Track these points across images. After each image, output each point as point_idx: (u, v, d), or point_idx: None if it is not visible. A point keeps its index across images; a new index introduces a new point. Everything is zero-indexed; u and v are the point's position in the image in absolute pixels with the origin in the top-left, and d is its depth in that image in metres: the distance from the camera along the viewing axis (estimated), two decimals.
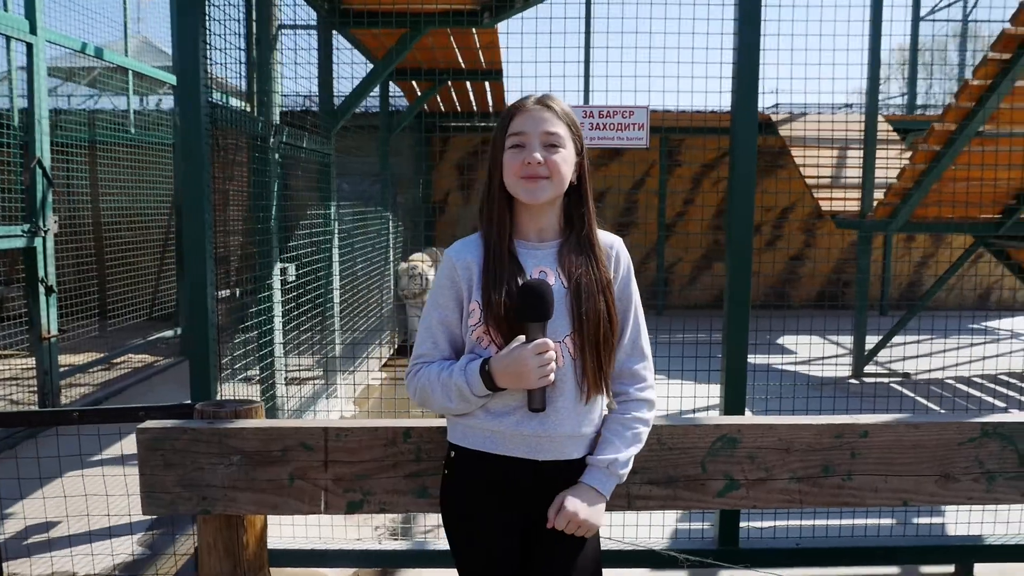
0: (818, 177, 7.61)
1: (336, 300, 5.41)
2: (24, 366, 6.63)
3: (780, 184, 9.47)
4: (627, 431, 1.76)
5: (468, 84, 7.52)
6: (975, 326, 9.47)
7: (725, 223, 3.09)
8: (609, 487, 1.74)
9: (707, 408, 5.37)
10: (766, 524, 3.53)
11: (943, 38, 12.47)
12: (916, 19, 9.50)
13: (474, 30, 5.56)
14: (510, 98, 8.33)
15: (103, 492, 3.55)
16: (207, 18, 3.15)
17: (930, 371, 7.06)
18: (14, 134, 5.26)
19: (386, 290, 7.46)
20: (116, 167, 7.04)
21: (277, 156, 4.27)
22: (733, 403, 3.10)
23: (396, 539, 3.65)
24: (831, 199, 7.32)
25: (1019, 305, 10.71)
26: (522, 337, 1.64)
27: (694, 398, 4.15)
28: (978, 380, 6.78)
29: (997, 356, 7.68)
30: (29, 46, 5.03)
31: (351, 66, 5.57)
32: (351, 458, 1.97)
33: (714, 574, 3.37)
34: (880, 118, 7.23)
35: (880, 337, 6.94)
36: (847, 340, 8.21)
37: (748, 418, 2.05)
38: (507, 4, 4.85)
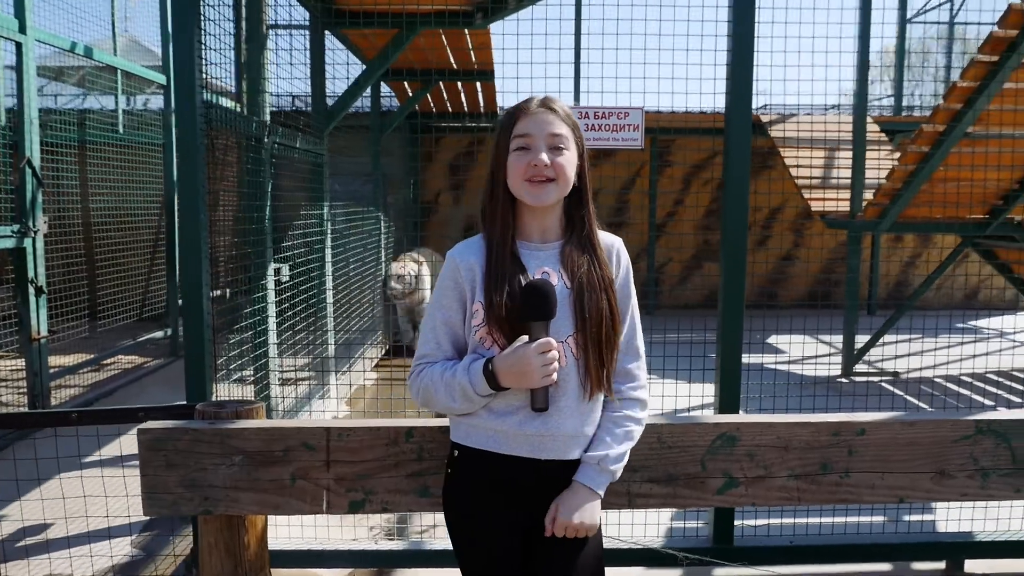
0: (808, 178, 7.66)
1: (329, 300, 5.40)
2: (13, 367, 6.59)
3: (770, 185, 9.53)
4: (618, 428, 1.78)
5: (460, 84, 7.52)
6: (962, 325, 9.57)
7: (720, 225, 3.11)
8: (602, 484, 1.75)
9: (701, 407, 5.41)
10: (760, 522, 3.55)
11: (928, 40, 12.60)
12: (903, 21, 9.58)
13: (466, 31, 5.57)
14: (501, 99, 8.35)
15: (97, 494, 3.54)
16: (203, 18, 3.15)
17: (919, 370, 7.13)
18: (3, 134, 5.23)
19: (378, 290, 7.45)
20: (106, 167, 7.01)
21: (272, 157, 4.27)
22: (728, 403, 3.13)
23: (392, 539, 3.66)
24: (821, 199, 7.38)
25: (1005, 304, 10.82)
26: (525, 337, 1.65)
27: (688, 397, 4.18)
28: (966, 379, 6.86)
29: (987, 355, 7.77)
30: (18, 45, 5.00)
31: (347, 67, 5.57)
32: (353, 458, 1.98)
33: (709, 572, 3.39)
34: (868, 119, 7.28)
35: (869, 336, 7.00)
36: (836, 339, 8.27)
37: (747, 417, 2.07)
38: (501, 5, 4.85)
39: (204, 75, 3.12)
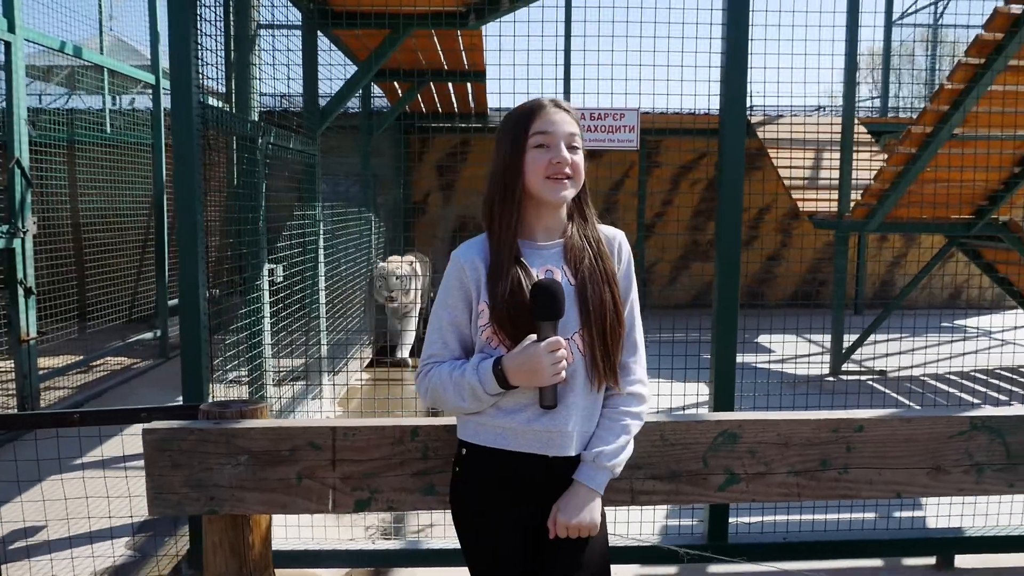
0: (798, 179, 7.73)
1: (322, 300, 5.40)
2: (2, 369, 6.52)
3: (756, 185, 9.59)
4: (614, 424, 1.79)
5: (450, 85, 7.53)
6: (946, 324, 9.68)
7: (715, 227, 3.15)
8: (601, 481, 1.76)
9: (696, 405, 5.45)
10: (754, 519, 3.59)
11: (911, 43, 12.72)
12: (889, 24, 9.69)
13: (458, 32, 5.58)
14: (491, 99, 8.36)
15: (89, 495, 3.52)
16: (199, 18, 3.15)
17: (906, 368, 7.21)
18: None
19: (371, 290, 7.44)
20: (94, 167, 6.96)
21: (266, 157, 4.26)
22: (723, 403, 3.16)
23: (389, 539, 3.67)
24: (811, 200, 7.44)
25: (988, 304, 10.96)
26: (533, 336, 1.67)
27: (684, 396, 4.21)
28: (952, 377, 6.94)
29: (975, 353, 7.88)
30: (7, 44, 4.96)
31: (343, 68, 5.57)
32: (359, 457, 1.99)
33: (704, 569, 3.42)
34: (854, 120, 7.35)
35: (856, 335, 7.07)
36: (823, 338, 8.35)
37: (748, 414, 2.10)
38: (494, 6, 4.87)
39: (200, 75, 3.12)
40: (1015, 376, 7.02)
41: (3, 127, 5.08)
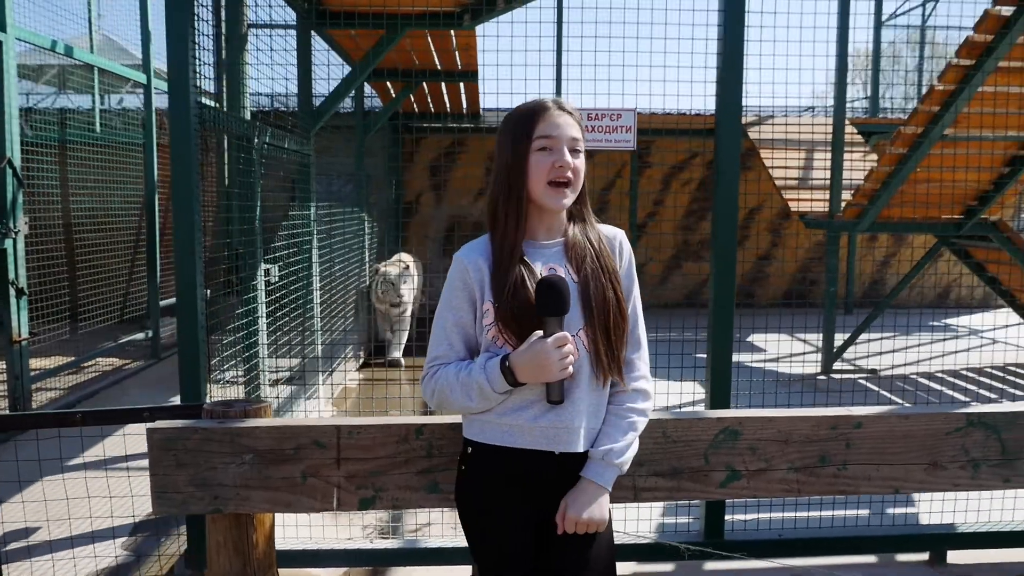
0: (789, 179, 7.78)
1: (316, 300, 5.39)
2: None
3: (748, 186, 9.65)
4: (622, 421, 1.81)
5: (443, 85, 7.53)
6: (935, 323, 9.76)
7: (711, 228, 3.17)
8: (609, 478, 1.78)
9: (692, 403, 5.48)
10: (749, 517, 3.62)
11: (899, 44, 12.83)
12: (878, 25, 9.76)
13: (452, 32, 5.59)
14: (484, 100, 8.37)
15: (83, 495, 3.51)
16: (196, 18, 3.15)
17: (896, 367, 7.28)
18: None
19: (364, 290, 7.44)
20: (86, 167, 6.92)
21: (261, 157, 4.26)
22: (719, 401, 3.19)
23: (386, 538, 3.67)
24: (802, 200, 7.49)
25: (976, 303, 11.06)
26: (540, 332, 1.69)
27: (680, 394, 4.24)
28: (942, 375, 7.01)
29: (968, 351, 7.96)
30: None
31: (337, 68, 5.56)
32: (364, 455, 2.00)
33: (700, 566, 3.45)
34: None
35: (846, 334, 7.13)
36: (813, 337, 8.41)
37: (749, 411, 2.12)
38: (488, 6, 4.88)
39: (198, 75, 3.12)
40: (1004, 374, 7.09)
41: None
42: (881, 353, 7.40)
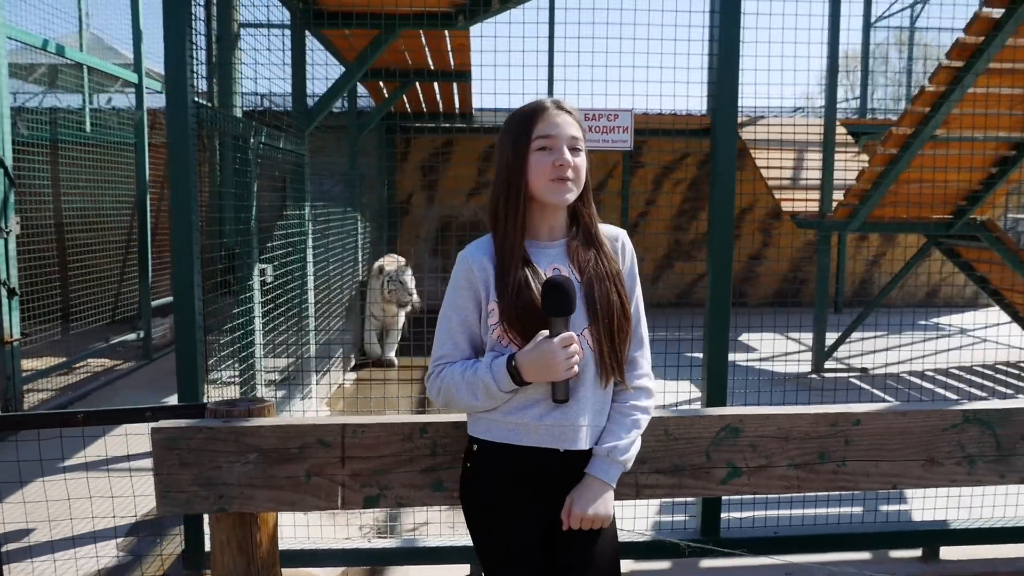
0: (780, 179, 7.83)
1: (311, 300, 5.39)
2: None
3: (740, 186, 9.71)
4: (625, 419, 1.83)
5: (436, 85, 7.53)
6: (924, 322, 9.85)
7: (707, 229, 3.20)
8: (613, 475, 1.80)
9: (688, 401, 5.51)
10: (745, 514, 3.65)
11: (888, 46, 12.92)
12: (867, 26, 9.84)
13: (446, 32, 5.60)
14: (477, 100, 8.38)
15: (82, 495, 3.50)
16: (193, 18, 3.15)
17: (886, 365, 7.34)
18: None
19: (357, 291, 7.42)
20: (77, 166, 6.88)
21: (257, 157, 4.26)
22: (716, 400, 3.21)
23: (384, 537, 3.67)
24: (800, 200, 7.54)
25: (963, 302, 11.17)
26: (546, 332, 1.70)
27: (676, 393, 4.26)
28: (931, 374, 7.07)
29: (960, 349, 8.04)
30: None
31: (330, 68, 5.56)
32: (368, 454, 2.01)
33: (696, 563, 3.47)
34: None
35: (836, 333, 7.18)
36: (803, 336, 8.47)
37: (750, 409, 2.15)
38: (483, 7, 4.89)
39: (195, 74, 3.11)
40: (992, 373, 7.16)
41: None
42: (871, 352, 7.46)
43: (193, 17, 3.18)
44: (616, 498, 2.02)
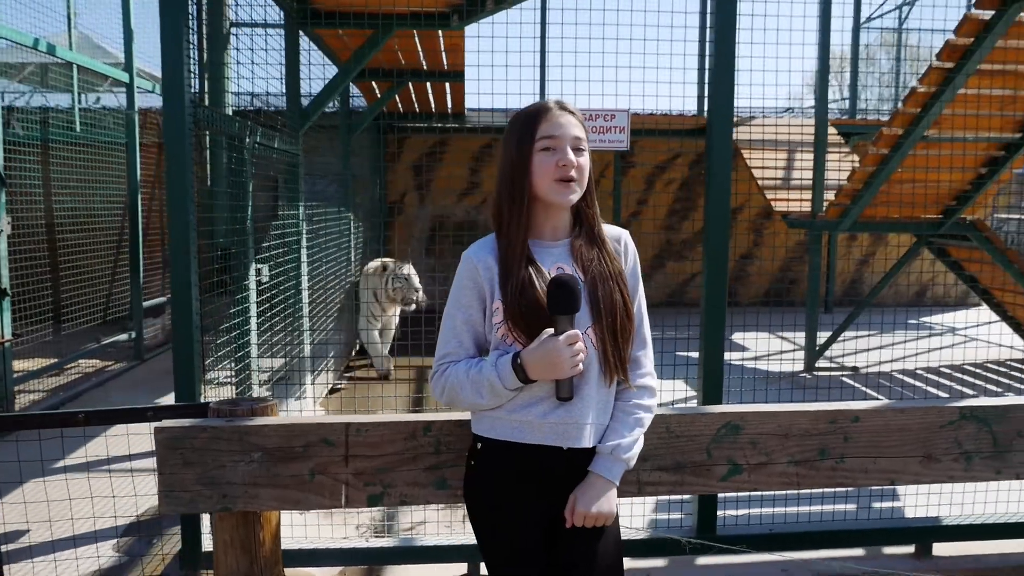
0: (771, 179, 7.87)
1: (305, 300, 5.38)
2: None
3: (737, 187, 9.75)
4: (629, 417, 1.85)
5: (429, 85, 7.53)
6: (913, 321, 9.93)
7: (703, 230, 3.22)
8: (617, 473, 1.81)
9: (684, 400, 5.53)
10: (740, 512, 3.68)
11: (875, 47, 13.03)
12: (856, 27, 9.90)
13: (440, 32, 5.60)
14: (469, 100, 8.38)
15: (75, 496, 3.49)
16: (191, 17, 3.14)
17: (877, 364, 7.40)
18: None
19: (351, 291, 7.41)
20: (68, 166, 6.84)
21: (252, 157, 4.25)
22: (712, 400, 3.24)
23: (381, 536, 3.68)
24: (785, 200, 7.58)
25: (952, 301, 11.26)
26: (551, 330, 1.71)
27: (672, 392, 4.28)
28: (921, 373, 7.13)
29: (951, 348, 8.11)
30: None
31: (323, 68, 5.54)
32: (372, 452, 2.01)
33: (692, 561, 3.50)
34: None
35: (827, 333, 7.23)
36: (794, 335, 8.52)
37: (750, 406, 2.17)
38: (478, 7, 4.89)
39: (192, 74, 3.11)
40: (981, 371, 7.23)
41: None
42: (868, 350, 7.51)
43: (190, 16, 3.18)
44: (618, 496, 2.04)
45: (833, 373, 6.99)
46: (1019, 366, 7.47)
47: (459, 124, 9.57)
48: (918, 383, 6.70)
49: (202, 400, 3.09)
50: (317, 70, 5.72)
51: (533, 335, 1.74)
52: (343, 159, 7.21)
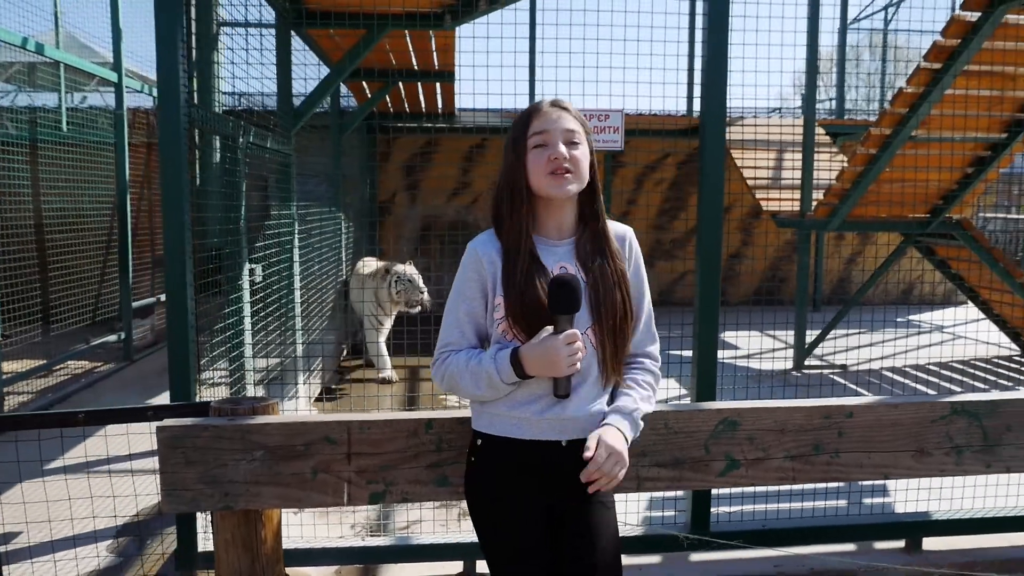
0: (760, 179, 7.93)
1: (297, 300, 5.38)
2: None
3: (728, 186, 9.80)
4: (643, 390, 1.88)
5: (419, 85, 7.53)
6: (900, 319, 10.02)
7: (696, 230, 3.24)
8: (626, 426, 1.81)
9: (677, 399, 5.56)
10: (734, 509, 3.71)
11: (862, 48, 13.12)
12: (844, 28, 9.99)
13: (431, 32, 5.60)
14: (460, 100, 8.39)
15: (65, 497, 3.48)
16: (188, 18, 3.14)
17: (865, 362, 7.47)
18: None
19: (340, 290, 7.41)
20: (56, 166, 6.80)
21: (246, 157, 4.25)
22: (705, 398, 3.26)
23: (377, 535, 3.68)
24: (774, 199, 7.64)
25: (939, 299, 11.37)
26: (550, 328, 1.73)
27: (665, 390, 4.30)
28: (908, 370, 7.20)
29: (940, 345, 8.18)
30: None
31: (314, 68, 5.54)
32: (374, 450, 2.03)
33: (686, 557, 3.53)
34: None
35: (815, 331, 7.29)
36: (783, 334, 8.58)
37: (747, 402, 2.20)
38: (470, 8, 4.91)
39: (191, 74, 3.11)
40: (967, 368, 7.31)
41: None
42: (858, 348, 7.58)
43: (186, 17, 3.18)
44: (618, 491, 2.06)
45: (822, 371, 7.05)
46: (1005, 363, 7.56)
47: (449, 124, 9.58)
48: (906, 380, 6.77)
49: (197, 400, 3.10)
50: (307, 70, 5.72)
51: (533, 333, 1.76)
52: (334, 159, 7.21)
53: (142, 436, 4.15)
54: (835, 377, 6.83)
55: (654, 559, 3.50)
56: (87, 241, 7.57)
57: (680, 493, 3.58)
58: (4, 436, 4.57)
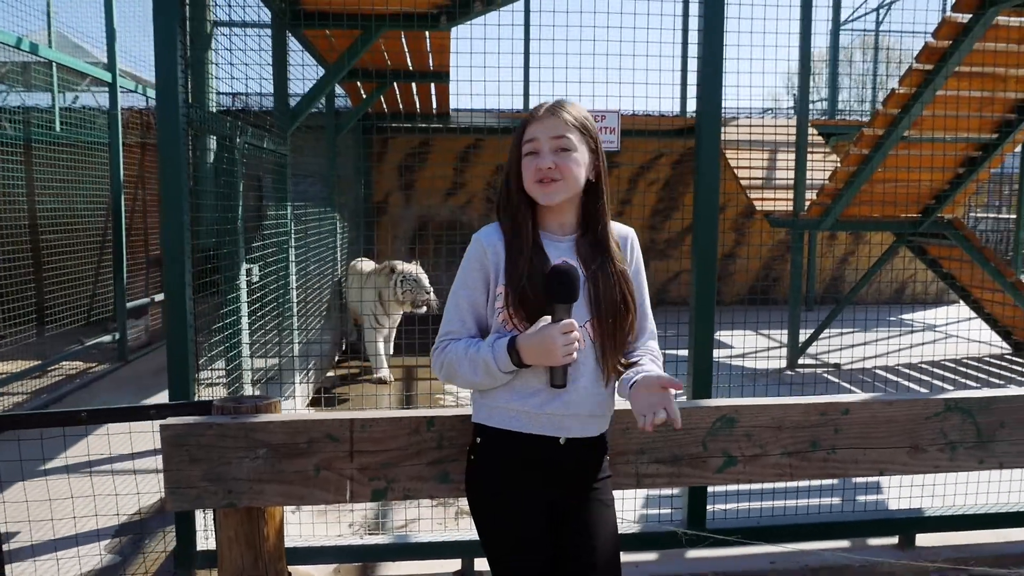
0: (753, 179, 7.97)
1: (293, 300, 5.38)
2: None
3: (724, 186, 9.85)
4: (656, 362, 1.92)
5: (414, 86, 7.55)
6: (892, 318, 10.09)
7: (692, 230, 3.28)
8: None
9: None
10: (729, 506, 3.74)
11: (853, 49, 13.19)
12: (836, 29, 10.05)
13: (427, 33, 5.62)
14: (455, 100, 8.40)
15: (67, 496, 3.48)
16: (186, 19, 3.15)
17: (858, 361, 7.52)
18: None
19: (335, 289, 7.41)
20: (50, 167, 6.79)
21: (243, 157, 4.25)
22: (701, 396, 3.29)
23: (375, 534, 3.70)
24: (767, 199, 7.68)
25: (931, 298, 11.45)
26: (547, 317, 1.76)
27: None
28: (901, 368, 7.26)
29: (933, 343, 8.24)
30: None
31: (309, 68, 5.55)
32: (376, 447, 2.04)
33: (683, 554, 3.55)
34: None
35: (808, 330, 7.34)
36: (776, 333, 8.63)
37: (744, 400, 2.22)
38: (469, 8, 4.92)
39: (187, 75, 3.12)
40: (959, 366, 7.37)
41: None
42: (853, 347, 7.62)
43: (185, 18, 3.19)
44: (616, 488, 2.09)
45: (815, 370, 7.10)
46: (996, 361, 7.62)
47: (443, 124, 9.59)
48: (898, 379, 6.82)
49: (195, 399, 3.11)
50: (302, 70, 5.73)
51: (532, 323, 1.78)
52: (330, 159, 7.21)
53: (143, 435, 4.17)
54: (829, 376, 6.88)
55: (651, 556, 3.53)
56: (81, 241, 7.56)
57: (676, 491, 3.61)
58: (5, 435, 4.57)
